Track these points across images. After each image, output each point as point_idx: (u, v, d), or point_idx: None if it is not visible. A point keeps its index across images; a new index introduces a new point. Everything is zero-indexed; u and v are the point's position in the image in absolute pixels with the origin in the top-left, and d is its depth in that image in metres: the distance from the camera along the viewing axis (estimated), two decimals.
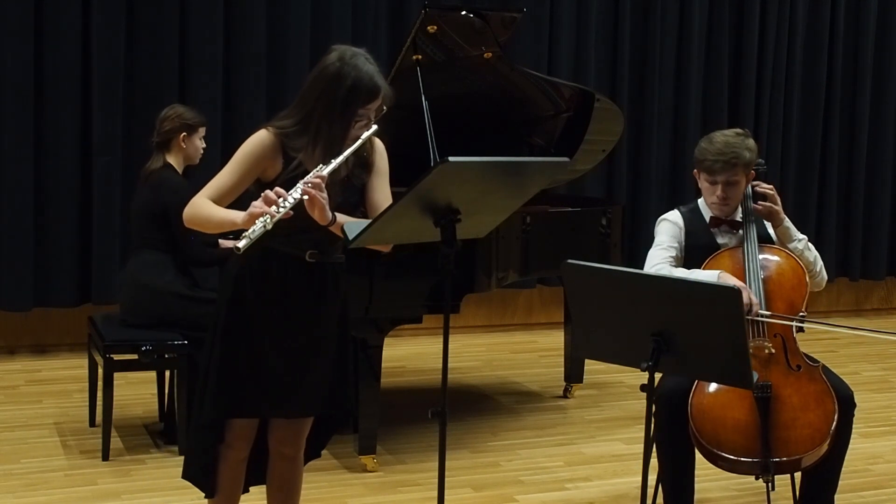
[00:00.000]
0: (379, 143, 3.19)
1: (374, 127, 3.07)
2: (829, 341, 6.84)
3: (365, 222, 2.95)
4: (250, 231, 2.83)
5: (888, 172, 8.12)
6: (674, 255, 3.76)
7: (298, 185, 2.92)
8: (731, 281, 3.48)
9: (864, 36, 7.91)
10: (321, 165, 2.98)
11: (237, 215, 2.95)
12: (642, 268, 3.78)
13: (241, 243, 2.82)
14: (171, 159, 4.71)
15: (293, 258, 3.10)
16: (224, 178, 3.06)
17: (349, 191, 3.12)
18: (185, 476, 3.28)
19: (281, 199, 2.87)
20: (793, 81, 7.75)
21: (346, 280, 3.25)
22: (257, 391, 3.14)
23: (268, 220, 2.83)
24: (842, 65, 7.89)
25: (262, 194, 2.89)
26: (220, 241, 4.92)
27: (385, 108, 3.10)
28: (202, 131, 4.81)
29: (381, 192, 3.18)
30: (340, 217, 3.02)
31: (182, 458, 4.39)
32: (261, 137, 3.07)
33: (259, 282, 3.11)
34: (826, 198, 7.96)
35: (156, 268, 4.60)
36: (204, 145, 4.85)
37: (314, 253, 3.11)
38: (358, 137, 3.03)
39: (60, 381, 5.64)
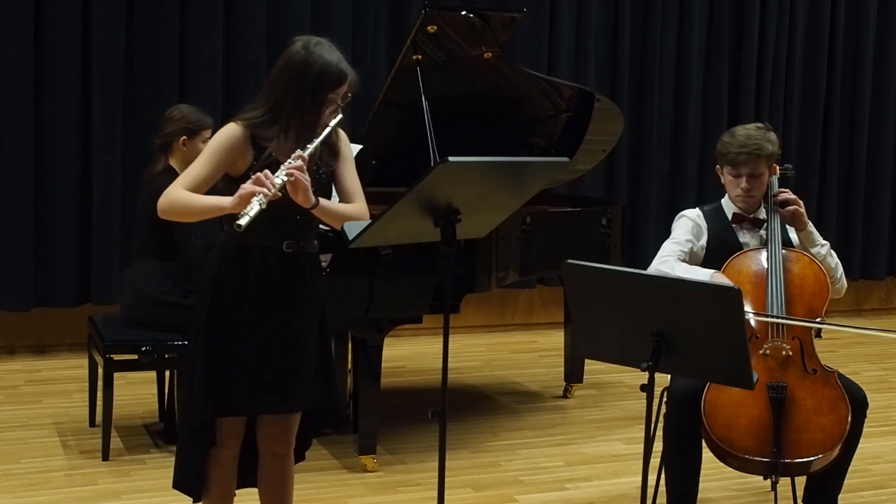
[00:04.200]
0: (341, 132, 3.22)
1: (340, 115, 3.10)
2: (829, 341, 6.82)
3: (365, 222, 2.96)
4: (248, 209, 2.87)
5: (888, 172, 8.13)
6: (686, 249, 3.78)
7: (282, 167, 2.95)
8: (724, 282, 3.48)
9: (864, 36, 7.92)
10: (298, 150, 2.99)
11: (224, 200, 2.98)
12: (646, 265, 3.79)
13: (243, 221, 2.85)
14: (174, 162, 4.62)
15: (271, 250, 3.12)
16: (198, 168, 3.06)
17: (317, 181, 3.12)
18: (175, 485, 3.25)
19: (268, 181, 2.91)
20: (793, 81, 7.75)
21: (321, 272, 3.28)
22: (245, 388, 3.13)
23: (262, 199, 2.88)
24: (842, 65, 7.90)
25: (253, 176, 2.92)
26: None
27: (350, 94, 3.11)
28: (206, 134, 4.59)
29: (351, 178, 3.22)
30: (322, 201, 3.06)
31: None
32: (231, 129, 3.08)
33: (239, 279, 3.12)
34: (826, 198, 7.96)
35: (153, 276, 4.57)
36: None
37: (291, 243, 3.13)
38: (328, 124, 3.07)
39: (60, 381, 5.64)
